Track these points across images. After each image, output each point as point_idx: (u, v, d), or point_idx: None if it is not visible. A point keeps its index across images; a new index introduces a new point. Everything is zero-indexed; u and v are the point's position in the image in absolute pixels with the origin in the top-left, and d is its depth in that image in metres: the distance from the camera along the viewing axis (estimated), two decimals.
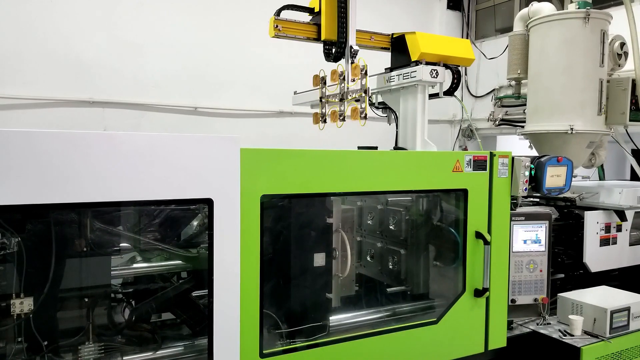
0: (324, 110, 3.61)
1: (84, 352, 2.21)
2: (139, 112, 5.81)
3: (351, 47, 3.29)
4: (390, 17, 7.61)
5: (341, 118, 3.41)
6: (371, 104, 4.38)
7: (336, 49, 3.34)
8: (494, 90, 7.53)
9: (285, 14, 3.48)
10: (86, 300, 2.25)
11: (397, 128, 3.93)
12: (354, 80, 3.24)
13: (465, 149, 7.56)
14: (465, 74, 8.20)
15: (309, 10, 3.57)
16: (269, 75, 6.09)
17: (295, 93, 5.34)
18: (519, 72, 4.74)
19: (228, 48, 5.97)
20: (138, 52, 5.81)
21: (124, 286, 2.49)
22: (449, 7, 8.02)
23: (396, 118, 3.95)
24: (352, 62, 3.29)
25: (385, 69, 3.92)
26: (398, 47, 3.84)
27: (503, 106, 5.70)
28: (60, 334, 2.26)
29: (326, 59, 3.54)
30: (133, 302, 2.48)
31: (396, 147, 3.90)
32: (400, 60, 3.79)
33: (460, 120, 8.02)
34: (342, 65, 3.36)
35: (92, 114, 5.55)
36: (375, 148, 4.47)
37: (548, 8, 4.49)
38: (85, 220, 2.22)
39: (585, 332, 3.29)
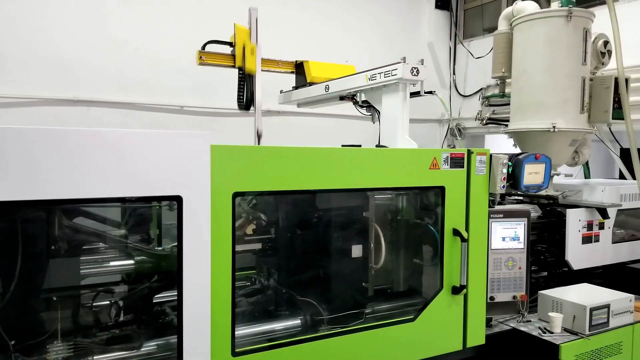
0: None
1: (53, 351, 2.19)
2: (125, 111, 5.77)
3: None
4: (377, 17, 7.62)
5: None
6: (355, 103, 4.41)
7: (244, 76, 4.37)
8: (481, 89, 7.55)
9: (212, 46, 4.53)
10: (54, 299, 2.23)
11: (380, 126, 3.94)
12: None
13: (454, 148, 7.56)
14: (454, 74, 8.22)
15: (229, 44, 4.52)
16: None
17: (281, 92, 5.35)
18: (503, 70, 4.74)
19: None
20: (123, 50, 5.78)
21: (94, 286, 2.47)
22: (437, 6, 8.01)
23: (379, 116, 3.96)
24: None
25: (292, 87, 5.02)
26: (299, 71, 4.88)
27: (490, 105, 5.72)
28: (28, 333, 2.23)
29: (239, 82, 4.46)
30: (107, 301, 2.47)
31: (378, 145, 3.90)
32: (300, 80, 4.87)
33: (449, 120, 8.03)
34: None
35: (77, 113, 5.51)
36: (359, 147, 4.47)
37: (532, 7, 4.50)
38: (53, 217, 2.20)
39: (565, 330, 3.29)
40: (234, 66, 4.54)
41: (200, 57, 4.46)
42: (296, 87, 5.07)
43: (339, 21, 7.26)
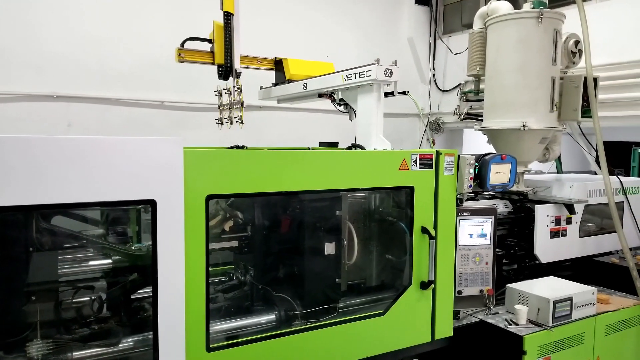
0: (221, 115, 4.44)
1: (33, 349, 2.26)
2: (105, 106, 5.78)
3: (235, 69, 4.22)
4: (357, 14, 7.68)
5: (228, 122, 4.34)
6: (333, 100, 4.49)
7: (225, 71, 4.25)
8: (459, 84, 7.67)
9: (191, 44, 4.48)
10: (33, 298, 2.31)
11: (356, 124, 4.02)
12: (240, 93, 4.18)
13: (433, 142, 7.71)
14: (433, 69, 8.33)
15: (209, 41, 4.45)
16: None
17: (261, 88, 5.41)
18: (477, 69, 4.86)
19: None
20: (103, 46, 5.77)
21: (72, 283, 2.54)
22: (417, 1, 8.10)
23: (356, 114, 4.04)
24: (237, 81, 4.17)
25: (272, 83, 5.05)
26: (279, 68, 4.91)
27: (468, 100, 5.83)
28: (7, 331, 2.31)
29: (219, 78, 4.38)
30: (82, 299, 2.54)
31: (354, 143, 3.99)
32: (280, 77, 4.92)
33: (429, 114, 8.15)
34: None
35: (57, 109, 5.51)
36: (336, 144, 4.56)
37: (505, 7, 4.61)
38: (31, 220, 2.26)
39: (530, 321, 3.44)
40: (213, 63, 4.60)
41: (179, 55, 4.49)
42: (275, 84, 5.14)
43: (320, 16, 7.31)
